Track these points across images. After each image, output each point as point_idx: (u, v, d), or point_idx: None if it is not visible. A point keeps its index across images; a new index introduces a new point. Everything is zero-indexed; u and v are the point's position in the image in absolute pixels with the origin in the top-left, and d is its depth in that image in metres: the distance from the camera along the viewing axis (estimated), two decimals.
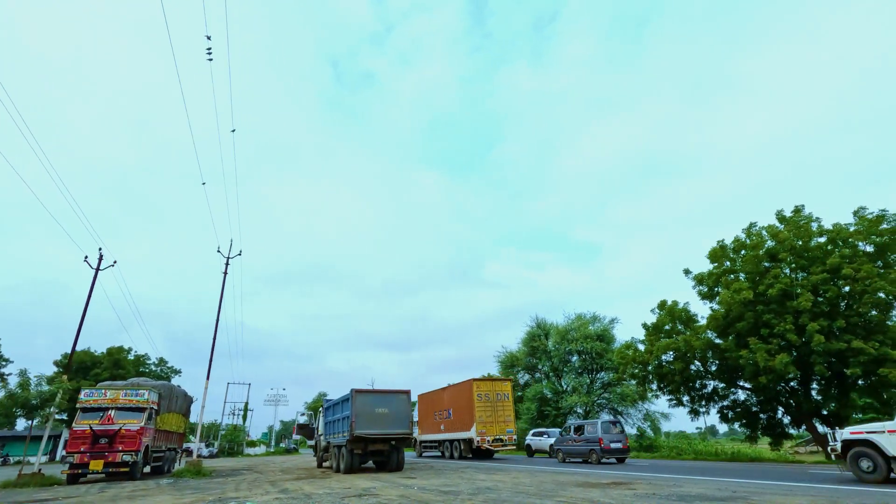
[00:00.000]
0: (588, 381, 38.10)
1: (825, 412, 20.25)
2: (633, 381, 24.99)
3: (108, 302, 62.08)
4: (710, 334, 21.23)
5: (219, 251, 23.86)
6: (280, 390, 65.03)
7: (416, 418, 30.72)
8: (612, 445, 18.61)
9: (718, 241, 22.03)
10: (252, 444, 57.39)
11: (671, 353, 22.54)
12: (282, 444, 63.24)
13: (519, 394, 43.10)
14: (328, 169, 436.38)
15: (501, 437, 23.23)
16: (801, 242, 19.11)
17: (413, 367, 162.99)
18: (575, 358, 39.47)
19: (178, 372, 50.50)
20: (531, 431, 31.22)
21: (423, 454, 31.25)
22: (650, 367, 23.50)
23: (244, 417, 60.66)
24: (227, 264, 23.50)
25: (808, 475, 11.95)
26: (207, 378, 20.99)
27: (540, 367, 42.30)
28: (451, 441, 25.34)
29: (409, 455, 30.61)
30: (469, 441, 23.34)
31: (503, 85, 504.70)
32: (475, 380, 24.17)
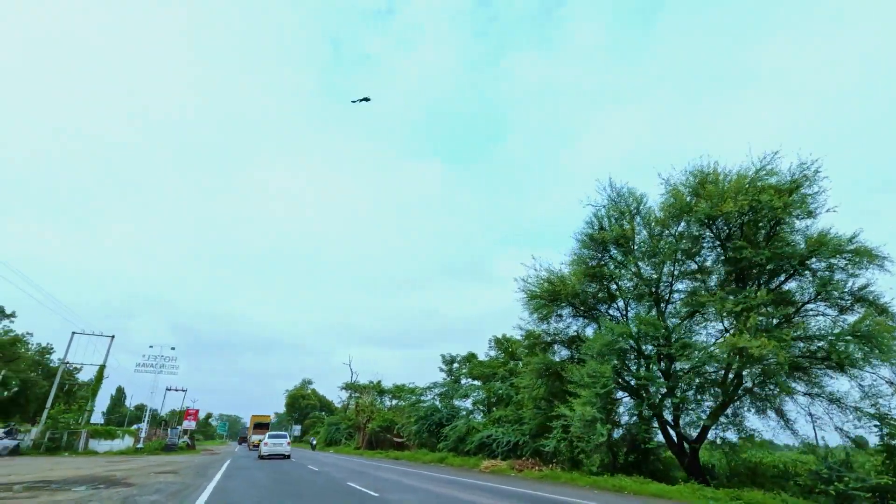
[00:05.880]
0: (753, 298, 14.93)
1: None
2: None
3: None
4: None
5: None
6: (168, 350, 42.53)
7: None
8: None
9: None
10: (108, 432, 35.00)
11: None
12: (166, 439, 40.17)
13: (558, 358, 20.61)
14: (324, 154, 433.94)
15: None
16: None
17: (416, 364, 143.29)
18: (709, 250, 16.85)
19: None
20: None
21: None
22: None
23: (94, 390, 38.17)
24: None
25: None
26: None
27: (612, 293, 19.43)
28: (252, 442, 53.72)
29: None
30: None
31: (509, 72, 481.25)
32: (254, 416, 60.96)
